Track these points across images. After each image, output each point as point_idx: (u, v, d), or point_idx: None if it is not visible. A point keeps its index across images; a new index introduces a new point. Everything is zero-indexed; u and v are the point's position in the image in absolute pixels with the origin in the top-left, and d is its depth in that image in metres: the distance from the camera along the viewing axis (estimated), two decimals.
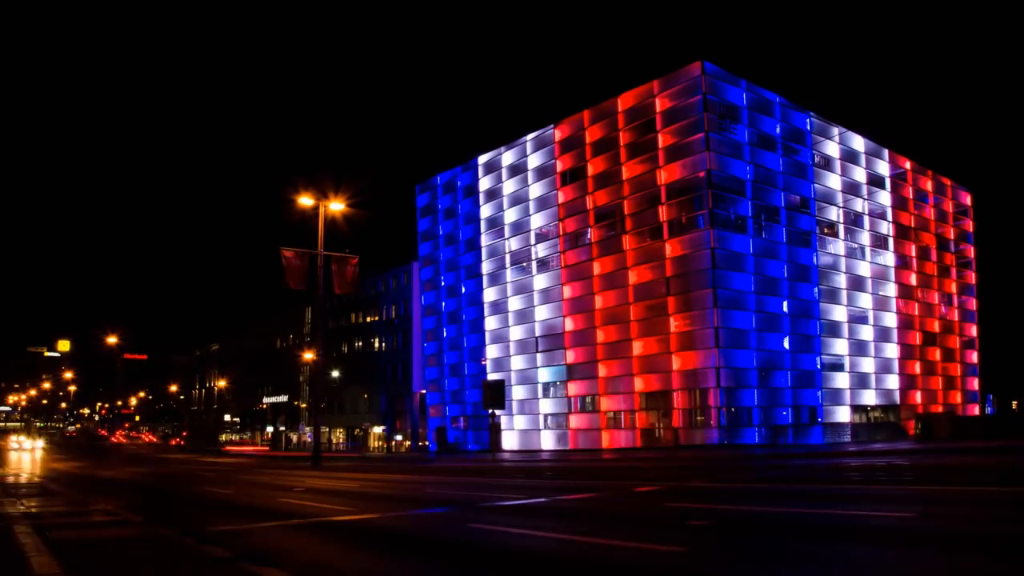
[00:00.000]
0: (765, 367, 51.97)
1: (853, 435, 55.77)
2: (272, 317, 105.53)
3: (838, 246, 58.97)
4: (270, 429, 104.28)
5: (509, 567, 8.16)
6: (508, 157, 64.90)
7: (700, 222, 50.28)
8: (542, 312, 60.84)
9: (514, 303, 63.48)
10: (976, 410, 71.65)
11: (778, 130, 55.28)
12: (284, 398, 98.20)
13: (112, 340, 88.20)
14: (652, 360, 52.56)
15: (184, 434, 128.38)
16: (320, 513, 13.62)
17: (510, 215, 64.09)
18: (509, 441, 62.27)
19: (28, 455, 62.37)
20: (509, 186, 64.37)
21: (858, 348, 59.49)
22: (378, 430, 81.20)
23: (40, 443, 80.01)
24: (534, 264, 62.05)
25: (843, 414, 57.31)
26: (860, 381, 59.22)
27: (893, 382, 62.16)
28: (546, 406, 60.55)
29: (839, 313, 58.13)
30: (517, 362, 62.94)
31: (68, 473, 35.79)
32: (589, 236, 57.55)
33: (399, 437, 77.95)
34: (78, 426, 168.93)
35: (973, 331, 73.82)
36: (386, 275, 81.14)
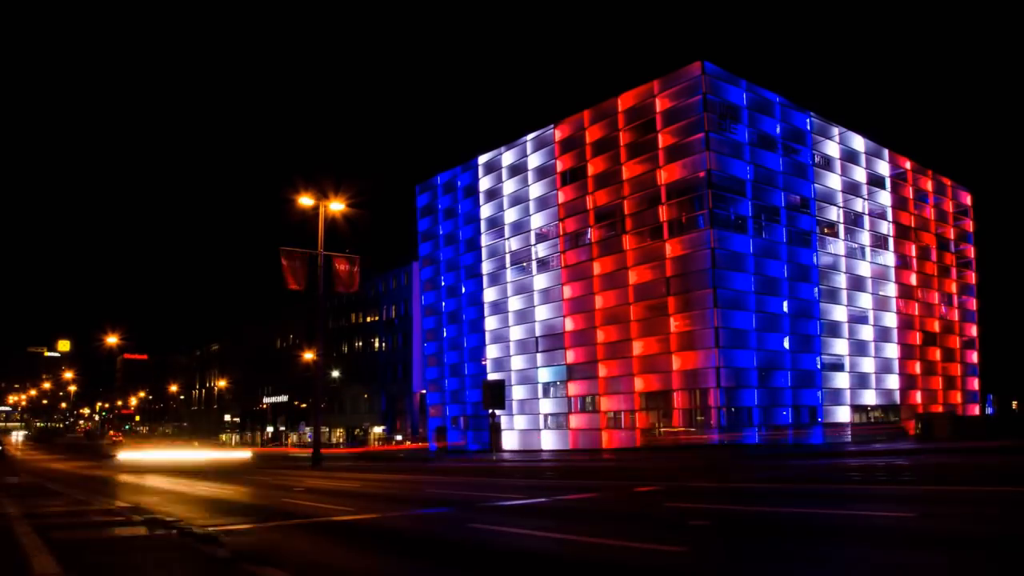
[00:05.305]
0: (765, 367, 51.95)
1: (853, 435, 55.75)
2: (272, 317, 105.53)
3: (838, 246, 58.95)
4: (270, 429, 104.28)
5: (509, 567, 8.16)
6: (508, 157, 64.88)
7: (700, 222, 50.28)
8: (542, 312, 60.81)
9: (514, 303, 63.45)
10: (976, 410, 71.62)
11: (778, 130, 55.26)
12: (284, 398, 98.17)
13: (112, 340, 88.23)
14: (652, 360, 52.55)
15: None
16: (320, 513, 13.64)
17: (510, 215, 64.05)
18: (509, 441, 62.27)
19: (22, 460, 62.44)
20: (509, 186, 64.33)
21: (858, 348, 59.46)
22: (378, 430, 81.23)
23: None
24: (534, 264, 62.02)
25: (843, 414, 57.29)
26: (860, 381, 59.20)
27: (893, 382, 62.13)
28: (546, 406, 60.53)
29: (839, 313, 58.12)
30: (517, 362, 62.92)
31: (69, 473, 35.83)
32: (589, 236, 57.52)
33: (399, 437, 77.95)
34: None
35: (973, 331, 73.77)
36: (386, 275, 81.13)
